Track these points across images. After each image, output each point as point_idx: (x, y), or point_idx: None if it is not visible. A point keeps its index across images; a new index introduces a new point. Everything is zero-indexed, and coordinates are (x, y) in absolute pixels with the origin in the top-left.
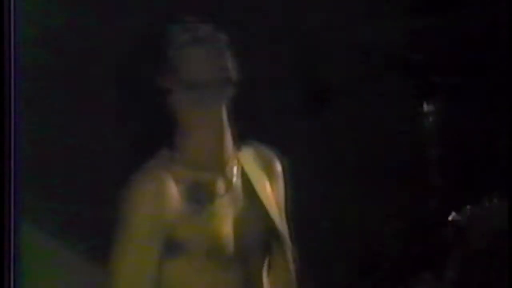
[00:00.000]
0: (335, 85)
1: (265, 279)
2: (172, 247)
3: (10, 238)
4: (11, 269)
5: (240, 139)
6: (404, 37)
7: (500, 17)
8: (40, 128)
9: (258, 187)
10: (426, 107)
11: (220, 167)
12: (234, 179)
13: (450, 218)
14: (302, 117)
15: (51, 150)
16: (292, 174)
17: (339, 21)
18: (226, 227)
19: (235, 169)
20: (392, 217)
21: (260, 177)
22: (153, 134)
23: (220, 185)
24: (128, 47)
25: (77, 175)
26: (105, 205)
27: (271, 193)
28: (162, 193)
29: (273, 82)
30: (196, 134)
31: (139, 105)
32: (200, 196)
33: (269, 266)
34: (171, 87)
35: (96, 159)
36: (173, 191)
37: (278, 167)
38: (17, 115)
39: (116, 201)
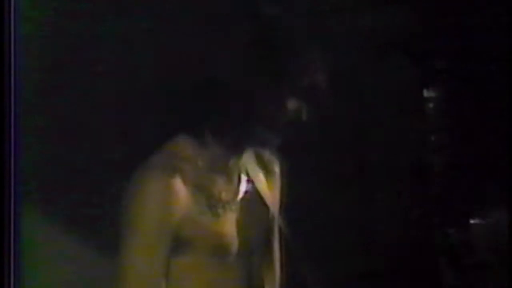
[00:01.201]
0: (335, 71)
1: (265, 276)
2: (177, 245)
3: (10, 230)
4: (11, 262)
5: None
6: (405, 22)
7: (503, 3)
8: (41, 122)
9: (260, 188)
10: (427, 93)
11: (226, 174)
12: (238, 181)
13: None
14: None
15: (52, 143)
16: (291, 163)
17: (339, 7)
18: (231, 228)
19: (239, 172)
20: (391, 211)
21: (262, 181)
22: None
23: (225, 188)
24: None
25: (80, 167)
26: (108, 196)
27: (271, 193)
28: (170, 192)
29: None
30: (220, 145)
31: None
32: (205, 200)
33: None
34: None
35: (100, 152)
36: (180, 191)
37: (277, 168)
38: (18, 109)
39: (120, 193)
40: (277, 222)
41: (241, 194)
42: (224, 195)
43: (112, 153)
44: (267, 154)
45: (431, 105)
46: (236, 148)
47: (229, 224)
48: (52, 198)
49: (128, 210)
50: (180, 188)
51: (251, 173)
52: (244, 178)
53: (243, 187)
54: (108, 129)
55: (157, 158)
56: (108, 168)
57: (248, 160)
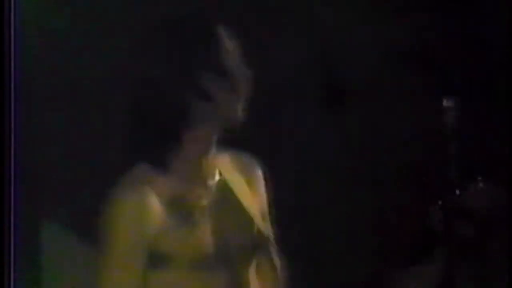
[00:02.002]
0: (352, 83)
1: (253, 281)
2: (155, 259)
3: (10, 233)
4: (11, 263)
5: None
6: (422, 33)
7: None
8: (42, 122)
9: (239, 193)
10: (445, 103)
11: (201, 178)
12: (215, 188)
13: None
14: (318, 116)
15: (53, 144)
16: (310, 169)
17: (355, 18)
18: (209, 237)
19: (215, 178)
20: (394, 215)
21: (240, 183)
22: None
23: (201, 196)
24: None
25: (86, 168)
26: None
27: (253, 198)
28: (144, 207)
29: (289, 81)
30: (188, 149)
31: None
32: (181, 209)
33: (257, 268)
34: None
35: (104, 152)
36: (155, 205)
37: (258, 171)
38: (18, 111)
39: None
40: (265, 227)
41: (217, 199)
42: (200, 201)
43: (116, 156)
44: (246, 158)
45: (446, 112)
46: (202, 153)
47: (207, 232)
48: (52, 200)
49: (103, 228)
50: (153, 203)
51: (227, 178)
52: (218, 180)
53: (219, 190)
54: (111, 130)
55: (128, 176)
56: (110, 171)
57: (224, 165)
